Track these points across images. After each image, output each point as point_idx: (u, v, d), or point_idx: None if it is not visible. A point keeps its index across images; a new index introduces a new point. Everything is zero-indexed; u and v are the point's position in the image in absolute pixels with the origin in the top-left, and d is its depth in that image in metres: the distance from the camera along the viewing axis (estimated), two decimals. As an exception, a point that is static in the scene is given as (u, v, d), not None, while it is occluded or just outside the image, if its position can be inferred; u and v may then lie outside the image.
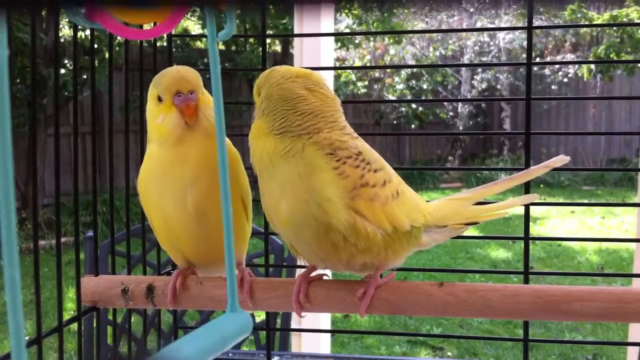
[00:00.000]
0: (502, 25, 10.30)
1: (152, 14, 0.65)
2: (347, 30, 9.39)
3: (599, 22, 8.23)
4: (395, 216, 0.89)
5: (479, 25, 10.64)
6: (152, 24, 0.70)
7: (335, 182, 0.86)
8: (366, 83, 11.12)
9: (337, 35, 4.92)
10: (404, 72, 11.25)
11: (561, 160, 0.98)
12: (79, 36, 0.97)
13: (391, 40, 10.34)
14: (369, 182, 0.88)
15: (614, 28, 8.76)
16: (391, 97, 11.18)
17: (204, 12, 0.72)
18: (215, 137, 0.98)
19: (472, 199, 1.00)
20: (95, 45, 1.03)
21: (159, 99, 0.96)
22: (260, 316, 2.82)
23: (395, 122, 11.56)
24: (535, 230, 7.18)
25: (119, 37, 0.89)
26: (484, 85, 11.56)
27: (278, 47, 9.88)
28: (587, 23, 8.15)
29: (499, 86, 11.46)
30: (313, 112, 0.90)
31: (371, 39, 10.62)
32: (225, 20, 0.76)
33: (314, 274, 0.96)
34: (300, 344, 2.56)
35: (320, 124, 0.89)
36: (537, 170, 1.00)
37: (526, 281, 1.11)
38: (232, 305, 0.75)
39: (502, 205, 1.00)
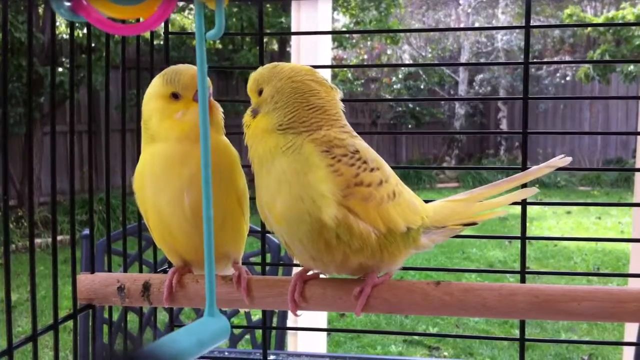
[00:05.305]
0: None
1: (137, 9, 0.64)
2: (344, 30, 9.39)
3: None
4: (390, 217, 0.88)
5: (476, 25, 10.67)
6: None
7: (329, 179, 0.85)
8: (362, 81, 11.12)
9: (335, 34, 4.90)
10: (401, 72, 11.26)
11: (562, 161, 0.97)
12: (75, 34, 0.97)
13: (388, 41, 10.35)
14: (363, 181, 0.87)
15: (610, 31, 8.77)
16: (388, 97, 11.18)
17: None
18: (218, 136, 0.99)
19: (471, 199, 0.99)
20: (92, 44, 1.02)
21: (175, 96, 0.96)
22: (257, 315, 2.82)
23: (392, 121, 11.56)
24: (531, 230, 7.19)
25: (116, 36, 0.89)
26: (481, 87, 11.58)
27: (275, 46, 9.87)
28: (584, 23, 8.18)
29: (496, 87, 11.47)
30: (323, 107, 0.91)
31: (368, 38, 10.63)
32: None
33: (310, 272, 0.96)
34: (297, 343, 2.56)
35: (323, 120, 0.90)
36: (536, 171, 0.99)
37: (522, 281, 1.10)
38: (210, 309, 0.75)
39: (501, 201, 1.00)
